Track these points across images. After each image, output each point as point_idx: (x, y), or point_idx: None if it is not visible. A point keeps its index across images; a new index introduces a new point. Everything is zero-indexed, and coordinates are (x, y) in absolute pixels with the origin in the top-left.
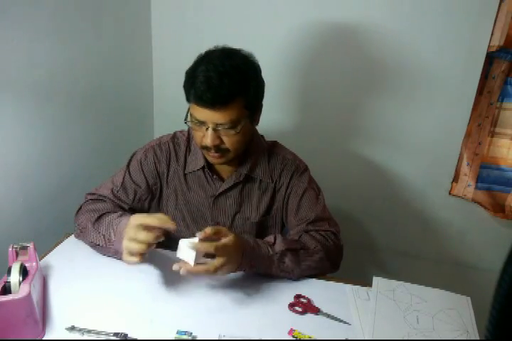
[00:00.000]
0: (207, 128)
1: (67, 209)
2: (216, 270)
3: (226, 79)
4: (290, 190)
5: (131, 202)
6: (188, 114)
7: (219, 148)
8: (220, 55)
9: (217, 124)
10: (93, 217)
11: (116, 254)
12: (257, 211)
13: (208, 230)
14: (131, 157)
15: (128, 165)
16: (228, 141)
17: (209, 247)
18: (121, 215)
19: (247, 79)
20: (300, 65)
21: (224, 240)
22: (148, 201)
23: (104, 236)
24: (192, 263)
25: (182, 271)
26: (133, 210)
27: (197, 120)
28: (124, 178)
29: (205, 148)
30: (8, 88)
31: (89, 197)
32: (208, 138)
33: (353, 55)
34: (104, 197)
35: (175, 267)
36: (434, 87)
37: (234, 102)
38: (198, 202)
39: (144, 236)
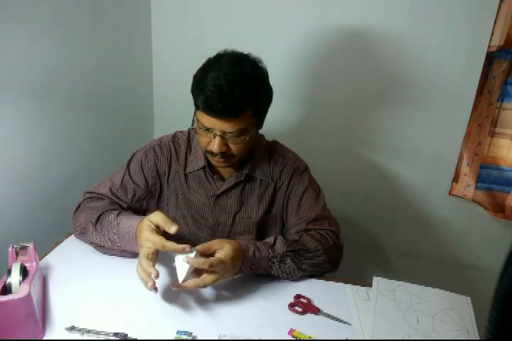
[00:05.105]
0: (214, 135)
1: (67, 209)
2: (205, 286)
3: (237, 88)
4: (290, 190)
5: (129, 201)
6: (195, 119)
7: (225, 154)
8: (229, 61)
9: (225, 132)
10: (93, 218)
11: (123, 253)
12: (257, 210)
13: (200, 248)
14: (132, 157)
15: (128, 165)
16: (235, 147)
17: (202, 264)
18: (118, 215)
19: (256, 88)
20: (301, 67)
21: (220, 254)
22: (147, 200)
23: (109, 238)
24: (183, 277)
25: (172, 288)
26: (131, 209)
27: (204, 126)
28: (123, 177)
29: (210, 152)
30: (7, 88)
31: (87, 195)
32: (214, 145)
33: (354, 55)
34: (103, 195)
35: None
36: (434, 87)
37: (244, 112)
38: (198, 202)
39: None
